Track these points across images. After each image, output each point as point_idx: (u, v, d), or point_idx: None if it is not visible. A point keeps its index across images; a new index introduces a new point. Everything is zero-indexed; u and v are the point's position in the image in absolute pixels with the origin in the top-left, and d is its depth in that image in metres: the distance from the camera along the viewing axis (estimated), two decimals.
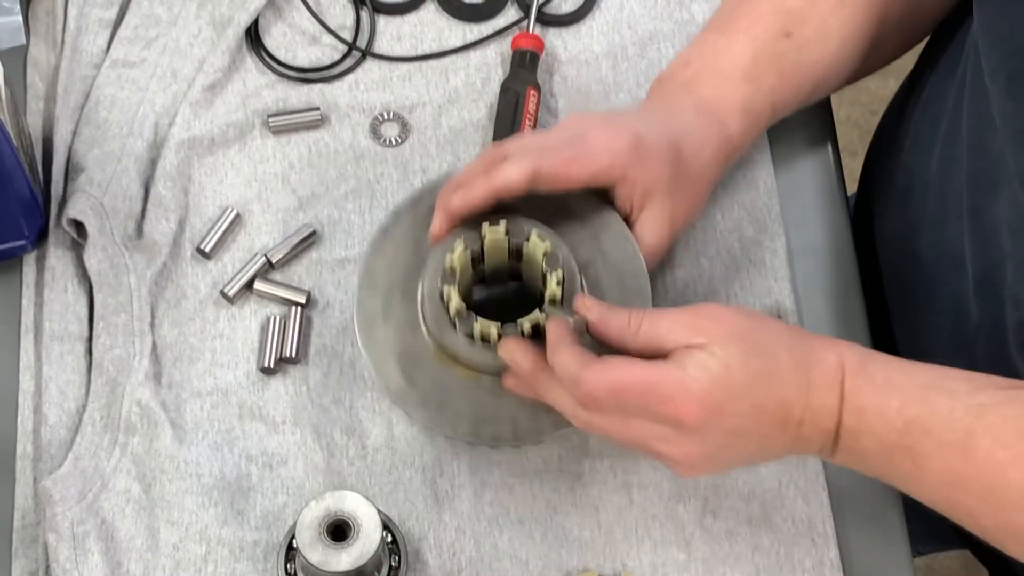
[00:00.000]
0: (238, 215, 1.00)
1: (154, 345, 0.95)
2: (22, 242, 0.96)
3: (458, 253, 0.86)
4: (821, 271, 1.00)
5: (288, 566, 0.86)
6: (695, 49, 0.96)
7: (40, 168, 1.00)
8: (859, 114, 2.08)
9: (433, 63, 1.06)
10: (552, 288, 0.85)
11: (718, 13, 0.97)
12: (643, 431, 0.79)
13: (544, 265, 0.86)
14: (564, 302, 0.85)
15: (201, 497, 0.91)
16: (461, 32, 1.07)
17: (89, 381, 0.94)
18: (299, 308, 0.96)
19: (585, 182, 0.87)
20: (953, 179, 0.90)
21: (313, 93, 1.04)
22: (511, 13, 1.08)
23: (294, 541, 0.82)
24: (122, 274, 0.95)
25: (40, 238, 0.97)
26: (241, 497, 0.92)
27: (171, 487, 0.91)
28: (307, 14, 1.06)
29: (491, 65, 1.06)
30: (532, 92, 1.02)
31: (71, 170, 0.99)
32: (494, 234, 0.87)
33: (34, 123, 1.01)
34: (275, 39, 1.06)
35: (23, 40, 1.04)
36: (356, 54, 1.06)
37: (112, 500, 0.91)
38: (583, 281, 0.88)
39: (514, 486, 0.93)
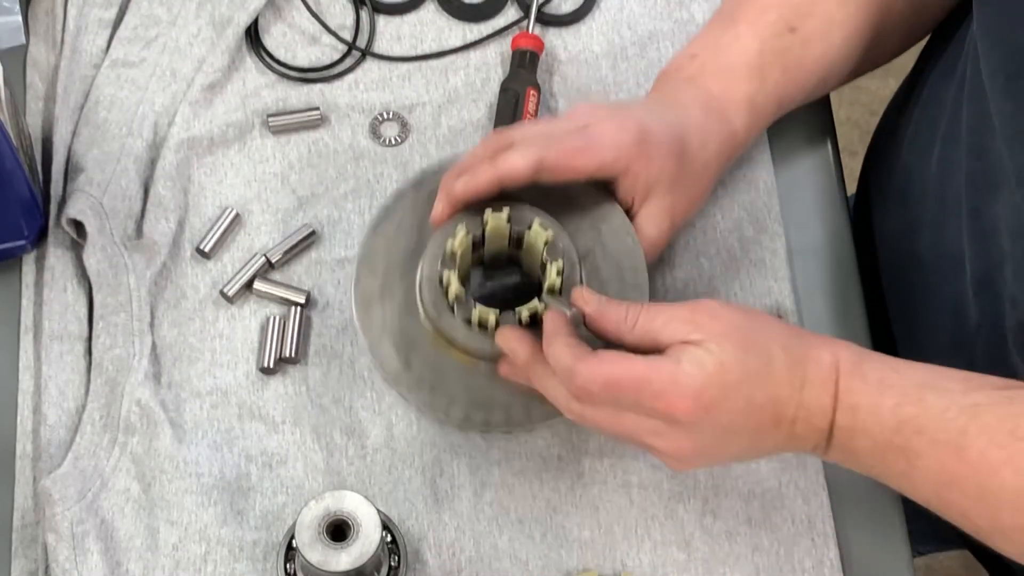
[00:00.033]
0: (238, 215, 1.00)
1: (154, 345, 0.95)
2: (22, 242, 0.96)
3: (459, 238, 0.86)
4: (821, 271, 1.00)
5: (288, 566, 0.86)
6: (701, 42, 0.96)
7: (40, 168, 1.00)
8: (859, 114, 2.08)
9: (433, 63, 1.06)
10: (552, 278, 0.85)
11: (724, 4, 0.97)
12: (636, 425, 0.79)
13: (545, 254, 0.86)
14: (563, 292, 0.85)
15: (201, 497, 0.91)
16: (461, 32, 1.07)
17: (88, 381, 0.94)
18: (299, 308, 0.96)
19: (589, 174, 0.87)
20: (952, 179, 0.90)
21: (313, 93, 1.04)
22: (511, 13, 1.08)
23: (294, 541, 0.82)
24: (121, 274, 0.95)
25: (40, 238, 0.97)
26: (241, 497, 0.92)
27: (171, 487, 0.91)
28: (307, 14, 1.06)
29: (491, 65, 1.06)
30: (532, 92, 1.02)
31: (71, 170, 0.99)
32: (496, 221, 0.87)
33: (34, 123, 1.01)
34: (275, 39, 1.06)
35: (23, 40, 1.04)
36: (356, 54, 1.06)
37: (111, 500, 0.91)
38: (582, 272, 0.88)
39: (514, 486, 0.93)
